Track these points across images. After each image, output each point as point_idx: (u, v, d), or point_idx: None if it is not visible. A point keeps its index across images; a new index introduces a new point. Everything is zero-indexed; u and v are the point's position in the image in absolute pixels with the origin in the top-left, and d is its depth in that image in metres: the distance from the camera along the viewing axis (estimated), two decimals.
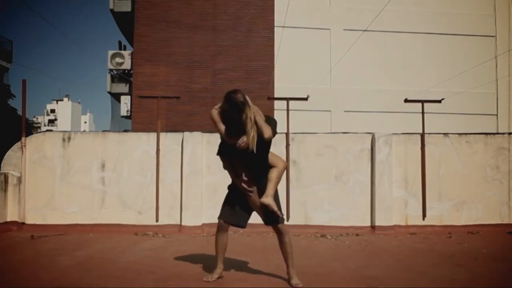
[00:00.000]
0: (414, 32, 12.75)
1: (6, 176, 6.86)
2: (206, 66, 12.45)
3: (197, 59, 12.49)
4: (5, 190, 6.84)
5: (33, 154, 7.18)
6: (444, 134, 7.59)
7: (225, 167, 4.05)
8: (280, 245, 3.94)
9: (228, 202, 3.98)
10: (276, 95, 10.91)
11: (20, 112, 13.03)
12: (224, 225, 3.98)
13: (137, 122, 12.27)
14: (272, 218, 3.85)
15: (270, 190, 3.81)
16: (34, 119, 47.05)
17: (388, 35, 12.60)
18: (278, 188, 3.94)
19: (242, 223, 3.98)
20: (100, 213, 7.12)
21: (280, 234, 3.90)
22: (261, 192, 3.82)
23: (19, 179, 7.02)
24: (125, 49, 16.44)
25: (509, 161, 7.54)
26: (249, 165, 3.81)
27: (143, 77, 12.36)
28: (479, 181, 7.45)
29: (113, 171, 7.21)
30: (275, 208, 3.78)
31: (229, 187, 4.04)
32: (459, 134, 7.66)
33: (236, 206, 3.93)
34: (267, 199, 3.77)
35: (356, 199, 7.32)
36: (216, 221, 4.01)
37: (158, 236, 6.70)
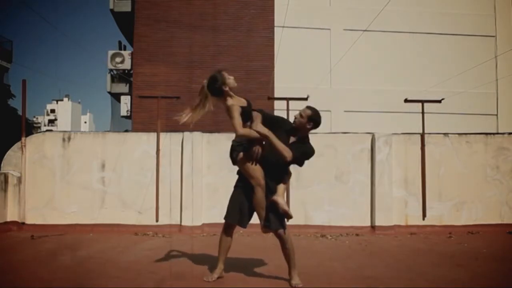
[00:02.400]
0: (414, 32, 12.75)
1: (6, 176, 6.86)
2: (206, 66, 12.42)
3: (197, 59, 12.48)
4: (5, 190, 6.84)
5: (33, 154, 7.18)
6: (444, 134, 7.59)
7: (240, 161, 3.89)
8: (282, 250, 3.92)
9: (233, 202, 3.96)
10: (276, 95, 10.90)
11: (20, 112, 13.03)
12: (230, 226, 3.98)
13: (137, 122, 12.27)
14: (273, 222, 3.79)
15: (280, 191, 3.82)
16: (34, 119, 46.97)
17: (388, 35, 12.60)
18: None
19: (244, 224, 3.97)
20: (100, 213, 7.12)
21: (281, 240, 3.86)
22: (268, 190, 3.81)
23: (19, 179, 7.02)
24: (125, 49, 16.44)
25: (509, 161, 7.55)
26: (267, 161, 3.78)
27: (143, 77, 12.36)
28: (479, 181, 7.45)
29: (113, 171, 7.21)
30: (286, 207, 3.77)
31: (235, 186, 4.02)
32: (459, 134, 7.66)
33: (240, 206, 3.91)
34: (278, 198, 3.76)
35: (356, 199, 7.32)
36: (216, 221, 4.02)
37: (158, 236, 6.70)
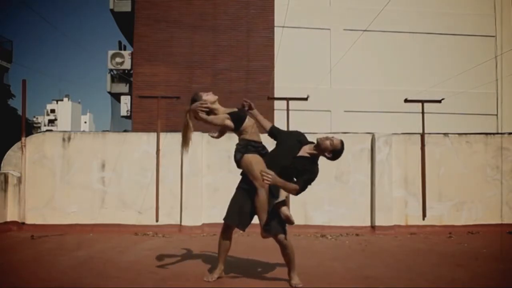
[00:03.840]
0: (414, 32, 12.74)
1: (6, 176, 6.86)
2: (206, 66, 12.44)
3: (197, 59, 12.48)
4: (5, 190, 6.84)
5: (33, 154, 7.18)
6: (444, 134, 7.59)
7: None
8: (282, 254, 3.91)
9: (234, 204, 3.94)
10: (276, 95, 10.90)
11: (20, 112, 13.03)
12: (229, 227, 3.97)
13: (137, 122, 12.26)
14: (274, 227, 3.75)
15: (283, 195, 3.81)
16: (34, 119, 46.96)
17: (388, 35, 12.59)
18: None
19: (243, 226, 3.94)
20: (100, 213, 7.12)
21: (281, 245, 3.83)
22: (270, 194, 3.80)
23: (19, 179, 7.02)
24: (125, 49, 16.43)
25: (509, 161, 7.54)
26: (273, 166, 3.78)
27: (143, 77, 12.35)
28: (479, 181, 7.45)
29: (113, 171, 7.21)
30: (287, 213, 3.75)
31: (238, 187, 4.00)
32: (459, 134, 7.66)
33: (240, 208, 3.89)
34: (281, 202, 3.74)
35: (356, 199, 7.32)
36: (216, 221, 4.01)
37: (158, 236, 6.70)
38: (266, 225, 3.77)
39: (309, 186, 3.91)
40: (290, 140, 3.94)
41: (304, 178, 3.78)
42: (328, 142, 3.81)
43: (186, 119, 3.93)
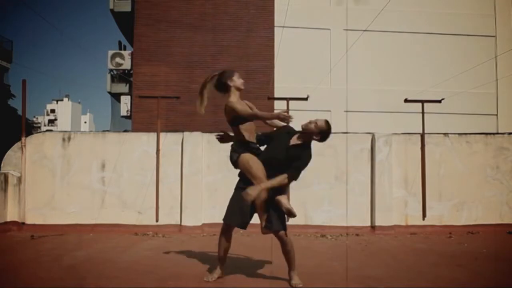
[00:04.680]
0: (414, 32, 12.75)
1: (6, 176, 6.86)
2: (206, 66, 12.43)
3: (197, 59, 12.48)
4: (5, 190, 6.84)
5: (33, 154, 7.18)
6: (444, 134, 7.59)
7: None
8: (282, 251, 3.91)
9: (233, 204, 3.93)
10: (276, 95, 10.90)
11: (20, 112, 13.03)
12: (229, 228, 3.97)
13: (137, 122, 12.27)
14: (275, 223, 3.75)
15: (283, 190, 3.80)
16: (34, 119, 46.92)
17: (388, 35, 12.59)
18: None
19: (244, 226, 3.94)
20: (100, 213, 7.12)
21: (281, 242, 3.83)
22: (270, 191, 3.80)
23: (19, 179, 7.02)
24: (125, 49, 16.46)
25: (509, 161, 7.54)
26: (270, 162, 3.80)
27: (143, 77, 12.36)
28: (479, 181, 7.45)
29: (113, 171, 7.21)
30: (289, 206, 3.75)
31: (237, 187, 4.00)
32: (459, 134, 7.66)
33: (240, 208, 3.87)
34: (281, 197, 3.74)
35: (356, 199, 7.32)
36: (216, 221, 4.01)
37: (158, 236, 6.70)
38: (268, 222, 3.78)
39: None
40: (279, 135, 3.99)
41: (296, 165, 3.79)
42: (312, 126, 3.84)
43: (206, 81, 3.90)
